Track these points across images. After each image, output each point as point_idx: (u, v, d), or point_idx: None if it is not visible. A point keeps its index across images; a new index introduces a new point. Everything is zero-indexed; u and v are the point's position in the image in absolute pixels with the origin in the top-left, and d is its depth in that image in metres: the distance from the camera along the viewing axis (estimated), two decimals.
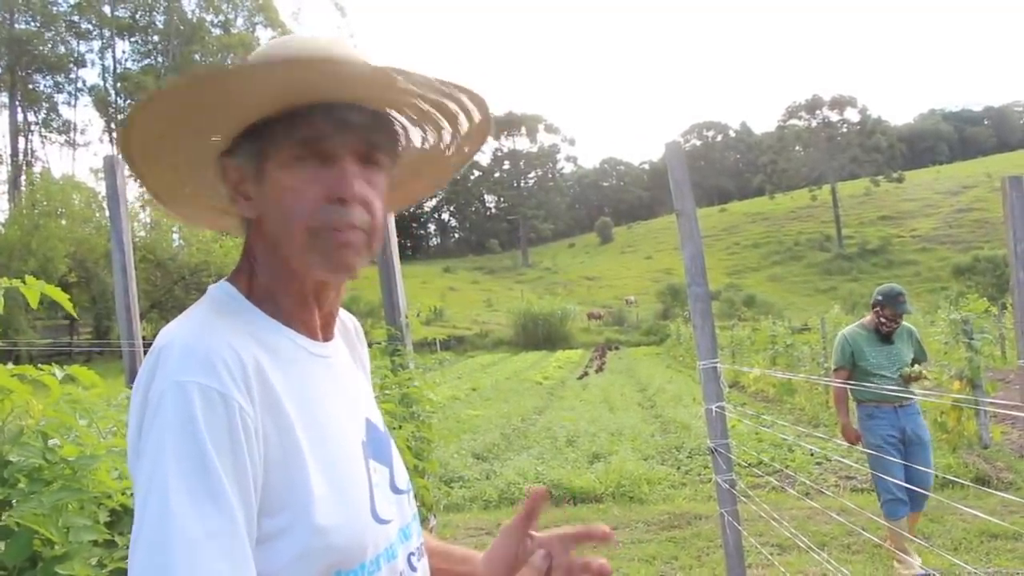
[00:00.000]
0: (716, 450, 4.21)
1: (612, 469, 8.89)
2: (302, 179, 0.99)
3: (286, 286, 1.05)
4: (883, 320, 5.81)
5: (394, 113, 1.08)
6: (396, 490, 1.11)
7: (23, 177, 57.67)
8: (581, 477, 8.73)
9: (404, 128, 1.12)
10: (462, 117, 1.12)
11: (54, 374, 1.72)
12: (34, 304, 1.78)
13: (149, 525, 0.83)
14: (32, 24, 64.31)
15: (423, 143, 1.17)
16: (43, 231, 34.27)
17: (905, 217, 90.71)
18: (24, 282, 1.76)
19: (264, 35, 67.54)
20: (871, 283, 69.03)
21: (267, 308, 1.05)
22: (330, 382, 1.07)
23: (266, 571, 0.90)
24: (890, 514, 5.43)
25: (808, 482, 7.82)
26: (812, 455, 9.00)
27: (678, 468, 9.46)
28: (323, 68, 0.96)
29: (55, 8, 65.61)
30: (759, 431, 10.33)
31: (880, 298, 5.82)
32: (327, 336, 1.11)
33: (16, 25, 63.23)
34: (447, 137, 1.17)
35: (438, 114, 1.10)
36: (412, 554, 1.11)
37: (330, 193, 0.98)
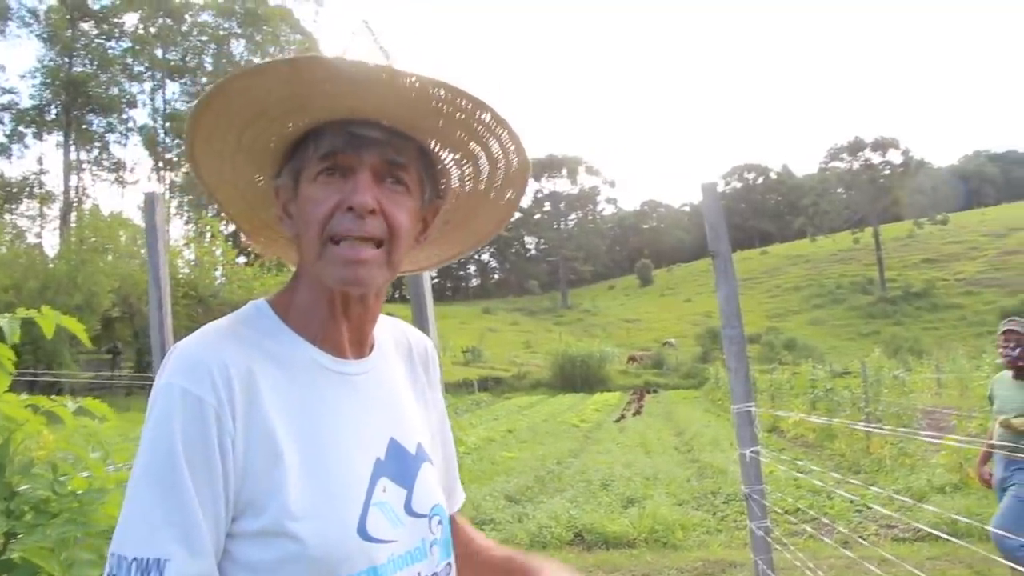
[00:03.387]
0: (750, 496, 4.11)
1: (646, 514, 8.74)
2: (322, 191, 1.05)
3: (317, 300, 1.10)
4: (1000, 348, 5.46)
5: (423, 140, 1.12)
6: (412, 512, 1.12)
7: (73, 214, 59.05)
8: (615, 522, 8.60)
9: (432, 159, 1.15)
10: (501, 157, 1.16)
11: (66, 405, 1.72)
12: (49, 334, 1.79)
13: (123, 508, 0.96)
14: (88, 67, 66.22)
15: (464, 183, 1.22)
16: (89, 266, 34.90)
17: (950, 260, 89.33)
18: (41, 313, 1.77)
19: None
20: (915, 327, 68.22)
21: (295, 324, 1.11)
22: (346, 397, 1.10)
23: (245, 571, 0.98)
24: None
25: (847, 531, 7.62)
26: (851, 503, 8.78)
27: (713, 514, 9.29)
28: (335, 75, 0.99)
29: (111, 51, 67.57)
30: (797, 477, 10.11)
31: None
32: (359, 353, 1.15)
33: (73, 68, 65.16)
34: (487, 175, 1.20)
35: (477, 147, 1.14)
36: None
37: (342, 202, 1.04)
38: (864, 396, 14.00)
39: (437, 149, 1.15)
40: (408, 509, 1.11)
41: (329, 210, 1.03)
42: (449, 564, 1.19)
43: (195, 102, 1.03)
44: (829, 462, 12.71)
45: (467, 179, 1.21)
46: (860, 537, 7.51)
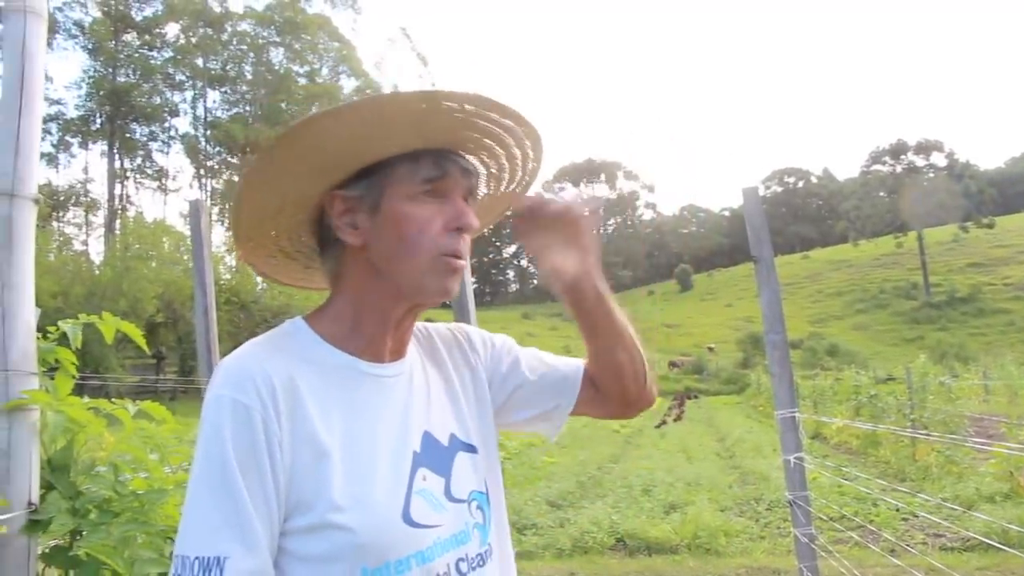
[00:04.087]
0: (795, 502, 4.08)
1: (688, 520, 8.68)
2: (429, 211, 1.15)
3: (367, 314, 1.20)
4: None
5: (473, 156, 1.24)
6: (453, 498, 1.20)
7: (118, 221, 60.13)
8: (656, 527, 8.55)
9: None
10: (520, 163, 1.30)
11: (127, 408, 1.76)
12: (109, 339, 1.84)
13: (183, 513, 1.03)
14: (131, 77, 67.45)
15: (489, 186, 1.35)
16: (133, 273, 35.53)
17: (997, 264, 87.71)
18: (102, 318, 1.82)
19: (348, 84, 69.62)
20: (961, 333, 67.10)
21: (331, 337, 1.19)
22: (382, 397, 1.19)
23: (300, 564, 1.06)
24: None
25: (893, 539, 7.51)
26: (898, 511, 8.65)
27: (756, 520, 9.20)
28: (454, 107, 1.10)
29: (153, 61, 68.77)
30: (841, 484, 9.99)
31: None
32: (398, 356, 1.24)
33: (117, 78, 66.41)
34: (507, 179, 1.34)
35: (503, 153, 1.27)
36: (462, 559, 1.18)
37: (450, 223, 1.16)
38: (909, 402, 13.79)
39: (491, 167, 1.29)
40: (448, 495, 1.19)
41: (440, 229, 1.15)
42: (490, 546, 1.25)
43: (285, 132, 1.10)
44: (874, 469, 12.54)
45: (491, 183, 1.34)
46: (907, 546, 7.40)
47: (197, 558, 0.99)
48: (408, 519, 1.11)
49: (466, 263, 1.19)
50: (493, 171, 1.31)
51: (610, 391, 1.41)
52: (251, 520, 1.01)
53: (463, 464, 1.25)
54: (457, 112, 1.11)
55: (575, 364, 1.44)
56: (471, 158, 1.23)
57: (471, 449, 1.29)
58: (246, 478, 1.02)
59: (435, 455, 1.21)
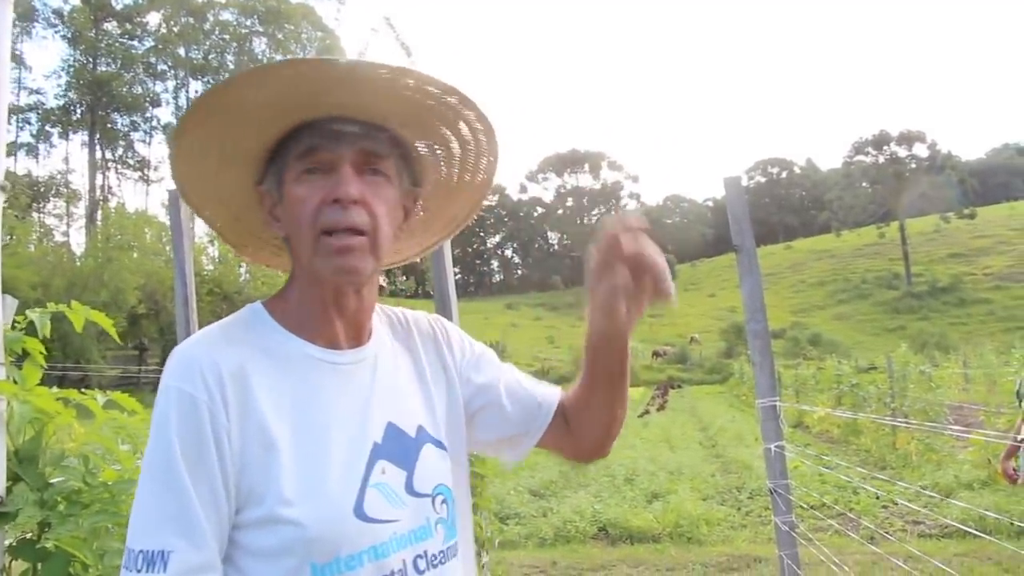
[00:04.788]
0: (775, 491, 4.10)
1: (670, 508, 8.73)
2: (308, 189, 1.09)
3: (311, 298, 1.15)
4: None
5: (396, 130, 1.16)
6: (414, 492, 1.15)
7: (99, 212, 59.67)
8: (639, 516, 8.58)
9: (407, 148, 1.20)
10: (471, 139, 1.22)
11: (96, 399, 1.74)
12: (78, 328, 1.82)
13: (133, 505, 1.02)
14: (112, 66, 66.83)
15: (439, 169, 1.27)
16: (115, 263, 35.28)
17: (978, 255, 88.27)
18: (70, 308, 1.80)
19: None
20: (941, 322, 67.57)
21: (290, 324, 1.15)
22: (339, 386, 1.14)
23: (251, 558, 1.04)
24: None
25: (873, 526, 7.57)
26: (878, 498, 8.72)
27: (738, 509, 9.25)
28: (310, 77, 1.04)
29: (134, 51, 68.17)
30: (822, 472, 10.06)
31: None
32: (357, 342, 1.20)
33: (98, 68, 65.78)
34: (460, 159, 1.26)
35: (448, 131, 1.20)
36: (420, 556, 1.13)
37: (327, 196, 1.08)
38: (890, 391, 13.90)
39: (411, 137, 1.19)
40: (410, 489, 1.14)
41: (316, 205, 1.08)
42: (455, 543, 1.21)
43: (176, 122, 1.09)
44: (855, 457, 12.63)
45: (441, 165, 1.26)
46: (886, 533, 7.47)
47: (141, 551, 0.98)
48: (360, 513, 1.07)
49: (359, 238, 1.09)
50: (439, 151, 1.24)
51: (586, 435, 1.35)
52: (196, 513, 0.99)
53: (429, 457, 1.20)
54: (312, 78, 1.04)
55: (552, 393, 1.38)
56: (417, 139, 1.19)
57: (440, 445, 1.24)
58: (192, 470, 1.00)
59: (398, 447, 1.16)
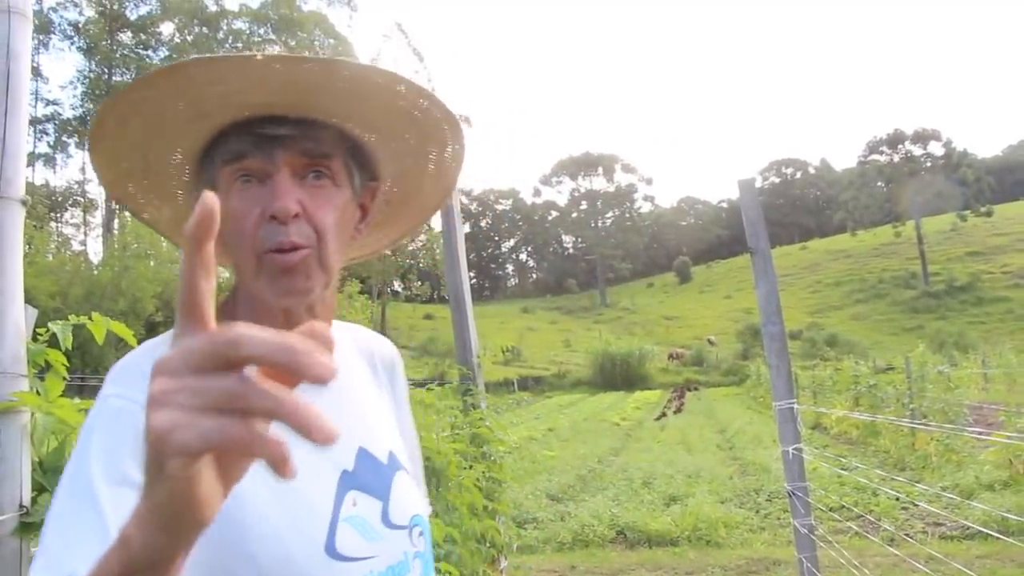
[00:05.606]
0: (794, 493, 4.08)
1: (688, 512, 8.71)
2: (242, 202, 0.95)
3: (257, 314, 0.99)
4: None
5: (340, 124, 1.02)
6: (391, 524, 1.03)
7: (116, 220, 60.09)
8: (657, 520, 8.57)
9: (356, 142, 1.05)
10: (428, 126, 1.07)
11: None
12: (100, 340, 1.83)
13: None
14: (127, 76, 67.40)
15: (398, 159, 1.12)
16: (132, 272, 35.52)
17: (995, 252, 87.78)
18: (92, 319, 1.82)
19: None
20: (959, 321, 67.16)
21: None
22: None
23: None
24: None
25: (893, 528, 7.53)
26: (897, 500, 8.66)
27: (756, 512, 9.22)
28: (223, 75, 0.91)
29: (148, 60, 68.69)
30: (840, 474, 10.01)
31: None
32: None
33: (113, 78, 66.37)
34: (418, 147, 1.11)
35: (399, 121, 1.05)
36: None
37: (264, 211, 0.94)
38: (908, 392, 13.79)
39: (358, 131, 1.04)
40: (386, 521, 1.03)
41: (255, 222, 0.94)
42: None
43: (90, 128, 0.96)
44: (873, 459, 12.56)
45: (400, 154, 1.12)
46: (907, 535, 7.42)
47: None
48: (332, 551, 0.94)
49: (303, 253, 0.94)
50: (394, 144, 1.09)
51: None
52: (94, 530, 0.78)
53: (403, 485, 1.09)
54: (230, 78, 0.91)
55: (425, 505, 1.21)
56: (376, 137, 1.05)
57: (410, 475, 1.13)
58: (115, 488, 0.80)
59: (371, 475, 1.04)
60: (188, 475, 0.51)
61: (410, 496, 1.09)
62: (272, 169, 0.94)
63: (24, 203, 1.65)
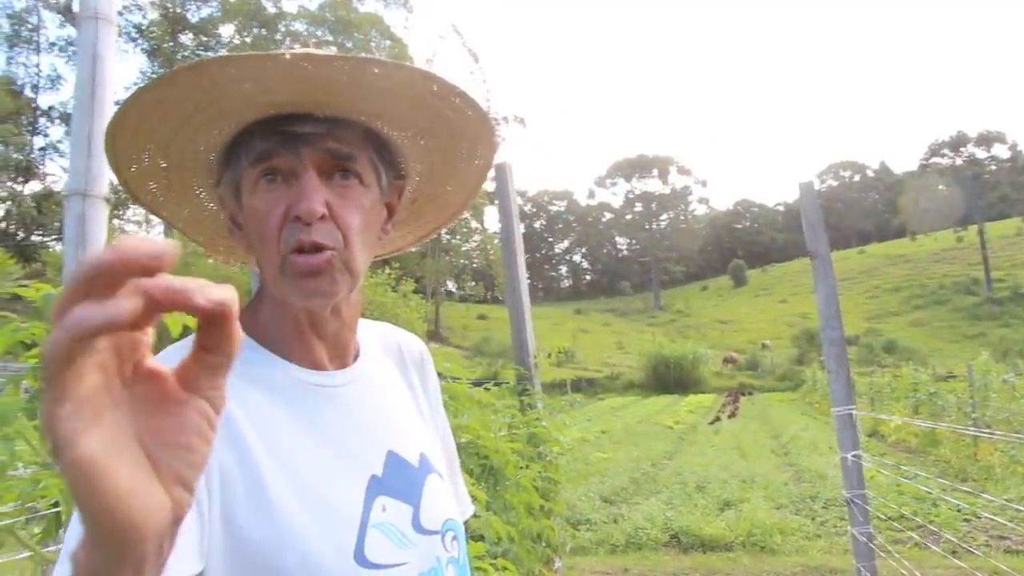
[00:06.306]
0: (852, 501, 4.04)
1: (743, 517, 8.64)
2: (268, 201, 0.94)
3: (283, 317, 0.99)
4: None
5: (368, 123, 1.00)
6: (422, 530, 1.01)
7: None
8: (711, 524, 8.51)
9: (384, 140, 1.03)
10: (458, 124, 1.04)
11: None
12: (175, 334, 1.88)
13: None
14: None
15: (426, 157, 1.10)
16: (194, 268, 36.21)
17: None
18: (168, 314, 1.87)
19: None
20: None
21: (265, 340, 0.99)
22: (331, 413, 0.99)
23: None
24: None
25: (955, 540, 7.37)
26: (959, 511, 8.47)
27: (812, 519, 9.10)
28: (249, 73, 0.88)
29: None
30: (900, 483, 9.82)
31: None
32: (342, 363, 1.04)
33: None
34: (448, 145, 1.09)
35: (430, 118, 1.02)
36: None
37: (290, 210, 0.92)
38: (971, 400, 13.50)
39: (387, 129, 1.02)
40: (416, 526, 1.01)
41: (278, 222, 0.92)
42: None
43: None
44: (934, 468, 12.31)
45: (429, 152, 1.09)
46: (969, 547, 7.25)
47: None
48: (362, 559, 0.91)
49: (329, 255, 0.92)
50: (423, 141, 1.07)
51: None
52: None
53: (435, 488, 1.06)
54: (254, 77, 0.88)
55: (468, 503, 1.25)
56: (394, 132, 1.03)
57: (443, 477, 1.11)
58: None
59: (401, 479, 1.02)
60: (76, 429, 0.44)
61: (442, 500, 1.07)
62: (299, 168, 0.93)
63: (107, 200, 1.71)
